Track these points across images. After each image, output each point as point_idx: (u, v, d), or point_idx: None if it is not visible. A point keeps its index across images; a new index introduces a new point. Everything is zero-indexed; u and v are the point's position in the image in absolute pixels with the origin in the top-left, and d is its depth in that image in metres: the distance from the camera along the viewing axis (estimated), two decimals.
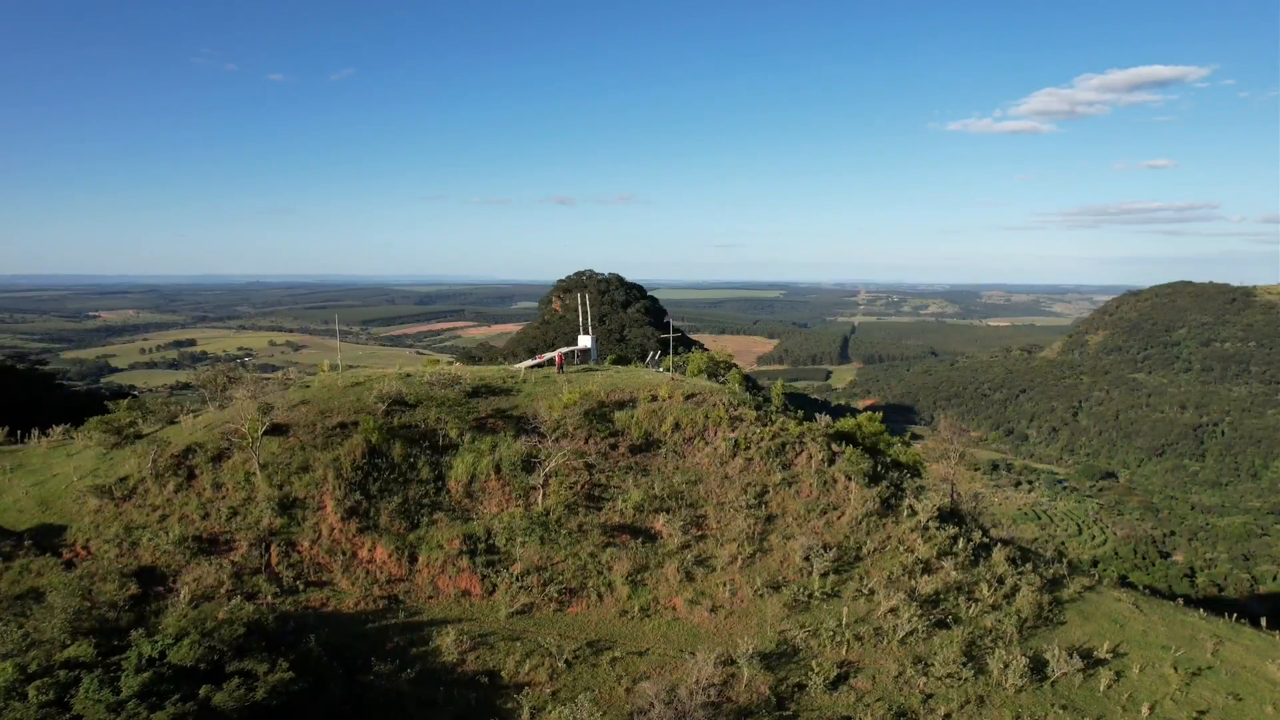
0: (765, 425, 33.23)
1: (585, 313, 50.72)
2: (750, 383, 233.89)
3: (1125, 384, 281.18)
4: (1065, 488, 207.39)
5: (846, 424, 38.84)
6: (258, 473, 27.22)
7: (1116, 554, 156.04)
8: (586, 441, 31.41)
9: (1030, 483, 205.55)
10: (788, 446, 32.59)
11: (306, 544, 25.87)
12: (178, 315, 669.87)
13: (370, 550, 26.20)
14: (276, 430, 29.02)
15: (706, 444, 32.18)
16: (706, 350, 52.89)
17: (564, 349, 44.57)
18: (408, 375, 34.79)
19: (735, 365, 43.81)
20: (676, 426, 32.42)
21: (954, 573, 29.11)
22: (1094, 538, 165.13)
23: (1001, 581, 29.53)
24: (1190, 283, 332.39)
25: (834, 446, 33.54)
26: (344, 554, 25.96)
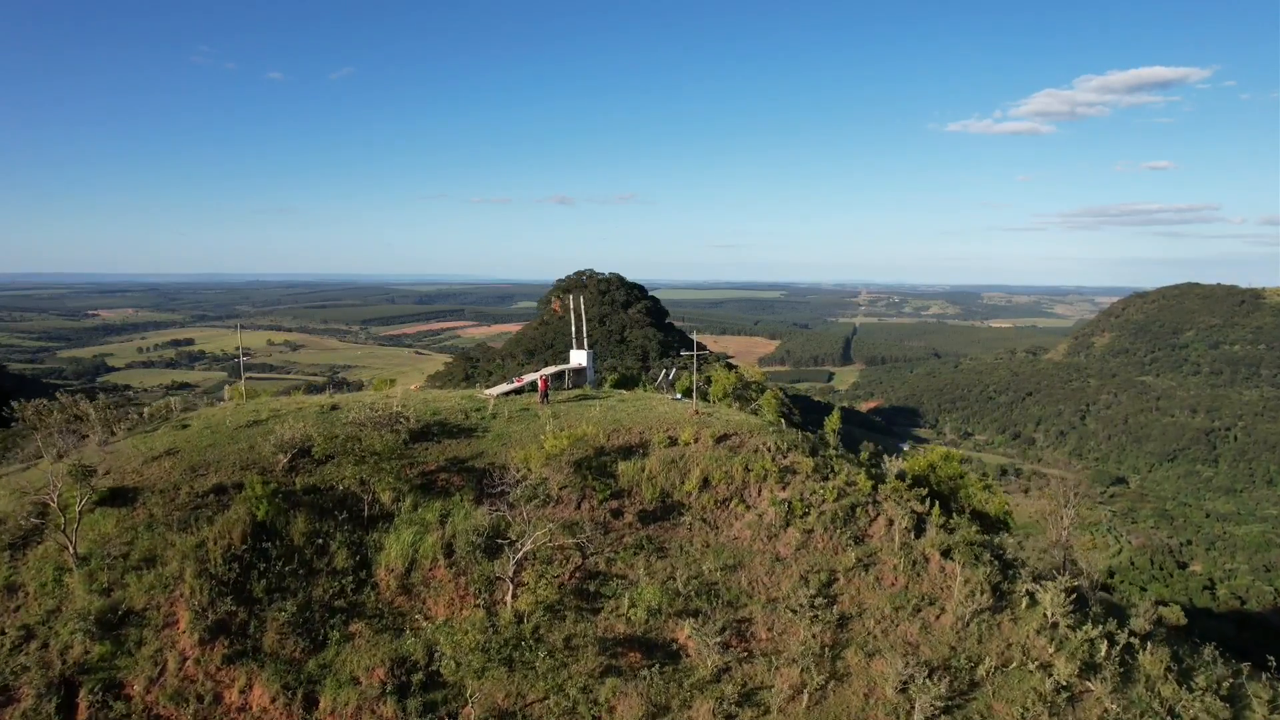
0: (825, 479, 24.05)
1: (579, 321, 41.00)
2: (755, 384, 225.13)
3: (1133, 387, 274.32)
4: (1075, 494, 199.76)
5: (917, 464, 29.78)
6: (73, 570, 17.94)
7: (1133, 564, 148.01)
8: (579, 506, 22.20)
9: (1040, 489, 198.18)
10: (858, 510, 23.35)
11: (139, 685, 16.59)
12: (177, 314, 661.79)
13: (244, 691, 16.96)
14: (119, 498, 19.74)
15: (748, 509, 22.89)
16: (732, 364, 43.39)
17: (550, 369, 35.57)
18: (333, 407, 25.44)
19: (769, 386, 34.62)
20: (705, 483, 23.24)
21: (1107, 700, 20.08)
22: (1108, 546, 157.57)
23: (1174, 715, 20.49)
24: (1198, 284, 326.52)
25: (918, 505, 24.39)
26: (200, 699, 16.70)
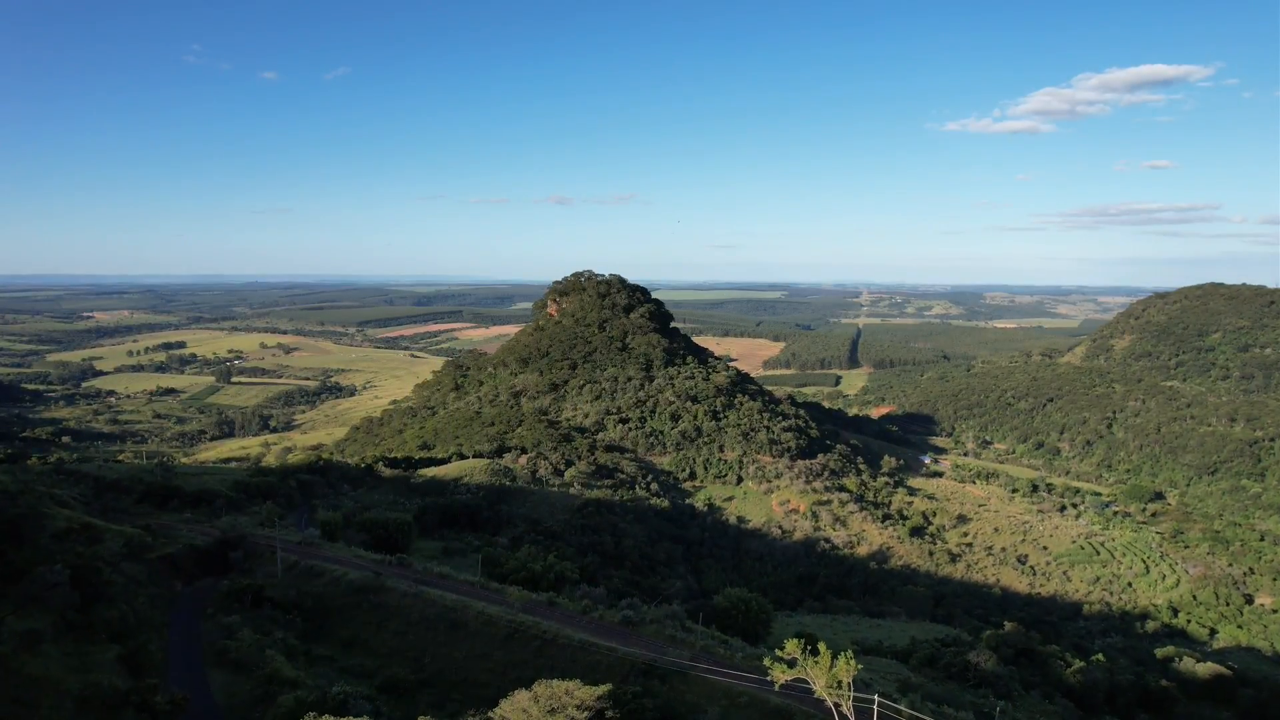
0: None
1: None
2: (767, 394, 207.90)
3: (1160, 393, 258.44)
4: (1116, 512, 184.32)
5: None
6: None
7: (1195, 598, 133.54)
8: None
9: (1075, 505, 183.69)
10: None
11: None
12: (172, 316, 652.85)
13: None
14: None
15: None
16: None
17: None
18: None
19: None
20: None
21: None
22: (1164, 577, 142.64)
23: None
24: (1222, 284, 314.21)
25: None
26: None
